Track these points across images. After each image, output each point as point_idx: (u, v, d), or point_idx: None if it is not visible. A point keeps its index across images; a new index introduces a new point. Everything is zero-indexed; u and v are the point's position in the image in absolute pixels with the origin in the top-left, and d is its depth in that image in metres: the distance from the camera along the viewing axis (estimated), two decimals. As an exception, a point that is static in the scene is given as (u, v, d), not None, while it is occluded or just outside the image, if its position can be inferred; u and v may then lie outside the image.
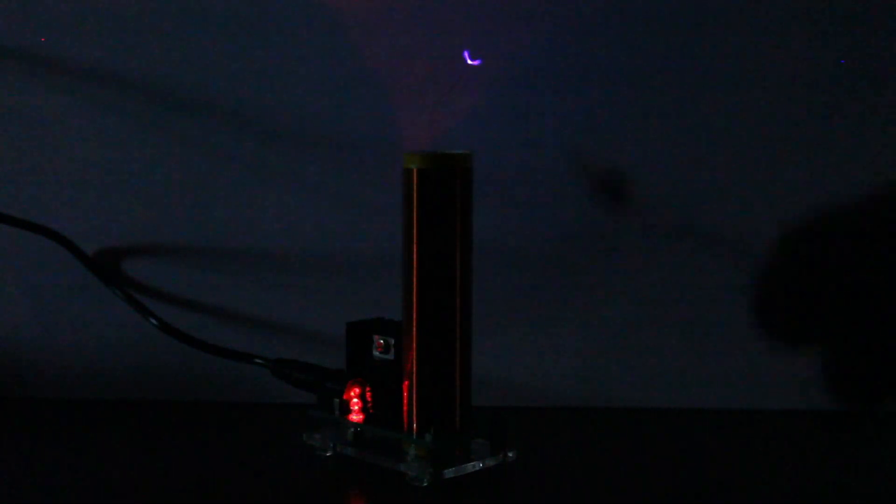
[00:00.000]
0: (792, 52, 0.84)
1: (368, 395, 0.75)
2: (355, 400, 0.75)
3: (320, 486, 0.71)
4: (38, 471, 0.73)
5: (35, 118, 0.87)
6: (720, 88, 0.84)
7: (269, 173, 0.87)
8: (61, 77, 0.87)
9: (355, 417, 0.74)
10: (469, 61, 0.70)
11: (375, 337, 0.75)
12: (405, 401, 0.72)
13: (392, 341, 0.74)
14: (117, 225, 0.88)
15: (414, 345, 0.71)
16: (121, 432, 0.81)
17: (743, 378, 0.87)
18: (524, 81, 0.85)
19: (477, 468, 0.71)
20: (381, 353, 0.74)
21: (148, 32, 0.86)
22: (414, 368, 0.72)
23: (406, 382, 0.72)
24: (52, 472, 0.73)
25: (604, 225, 0.86)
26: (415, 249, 0.71)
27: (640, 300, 0.86)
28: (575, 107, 0.85)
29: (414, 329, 0.71)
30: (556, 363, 0.87)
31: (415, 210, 0.70)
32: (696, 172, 0.85)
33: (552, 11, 0.84)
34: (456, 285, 0.71)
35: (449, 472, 0.70)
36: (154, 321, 0.86)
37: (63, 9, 0.86)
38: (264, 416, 0.85)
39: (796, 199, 0.85)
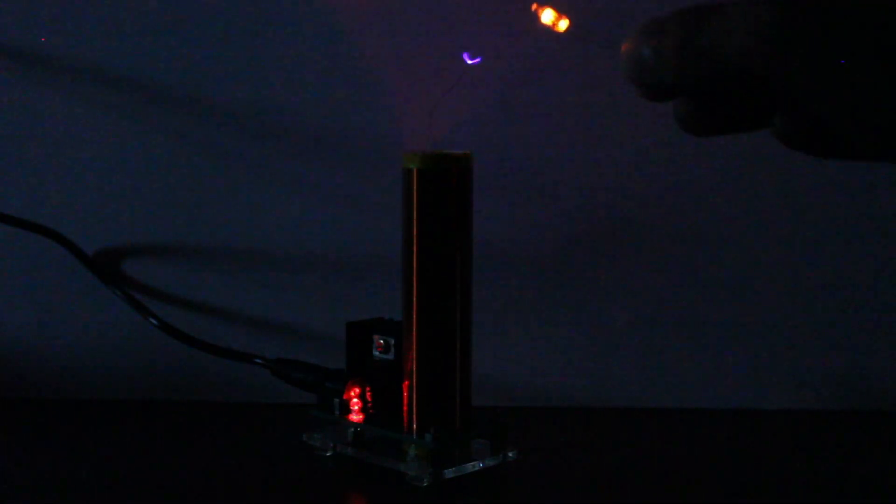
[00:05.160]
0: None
1: (368, 395, 0.75)
2: (355, 400, 0.75)
3: (320, 486, 0.71)
4: (38, 471, 0.73)
5: (35, 118, 0.87)
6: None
7: (269, 173, 0.87)
8: (61, 77, 0.87)
9: (355, 417, 0.74)
10: (469, 61, 0.70)
11: (375, 337, 0.75)
12: (405, 401, 0.72)
13: (392, 341, 0.74)
14: (117, 225, 0.88)
15: (414, 345, 0.71)
16: (121, 432, 0.81)
17: (743, 378, 0.87)
18: (524, 81, 0.85)
19: (477, 468, 0.71)
20: (381, 353, 0.74)
21: (147, 32, 0.86)
22: (414, 368, 0.72)
23: (406, 382, 0.72)
24: (52, 472, 0.73)
25: (604, 225, 0.86)
26: (415, 249, 0.71)
27: (640, 300, 0.86)
28: (575, 107, 0.85)
29: (414, 329, 0.71)
30: (556, 363, 0.87)
31: (415, 210, 0.70)
32: (696, 172, 0.85)
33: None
34: (456, 285, 0.71)
35: (449, 472, 0.70)
36: (154, 321, 0.86)
37: (63, 9, 0.86)
38: (264, 416, 0.85)
39: (797, 199, 0.85)
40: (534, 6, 0.64)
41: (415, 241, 0.71)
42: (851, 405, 0.86)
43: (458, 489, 0.70)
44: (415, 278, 0.71)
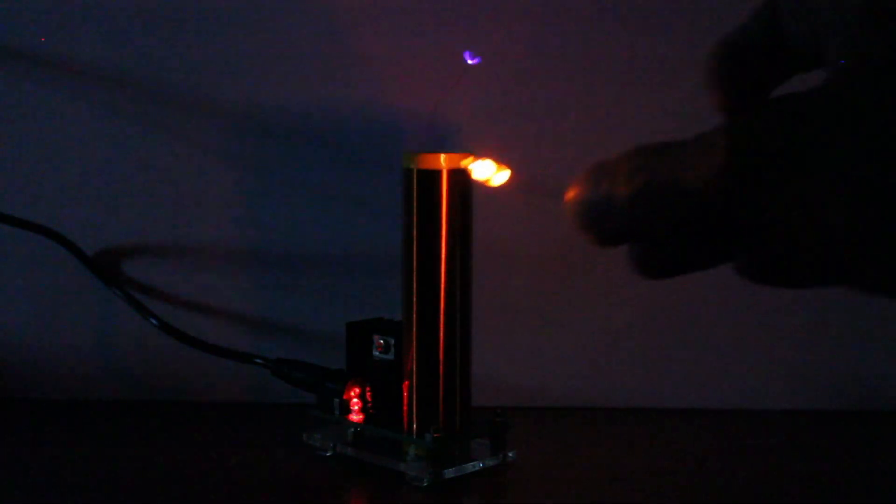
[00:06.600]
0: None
1: (368, 395, 0.75)
2: (355, 400, 0.75)
3: (320, 486, 0.71)
4: (38, 471, 0.73)
5: (35, 118, 0.87)
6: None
7: (269, 173, 0.87)
8: (61, 77, 0.87)
9: (355, 417, 0.74)
10: (469, 61, 0.70)
11: (375, 337, 0.75)
12: (405, 401, 0.72)
13: (392, 341, 0.74)
14: (117, 225, 0.88)
15: (414, 345, 0.71)
16: (121, 432, 0.81)
17: (743, 378, 0.87)
18: (525, 81, 0.85)
19: (477, 468, 0.71)
20: (381, 353, 0.74)
21: (148, 32, 0.86)
22: (414, 368, 0.72)
23: (406, 382, 0.72)
24: (52, 472, 0.73)
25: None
26: (415, 249, 0.71)
27: (640, 300, 0.86)
28: (575, 106, 0.85)
29: (414, 329, 0.71)
30: (556, 363, 0.87)
31: (415, 210, 0.70)
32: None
33: (552, 11, 0.84)
34: (456, 285, 0.71)
35: (449, 472, 0.70)
36: (154, 321, 0.86)
37: (63, 9, 0.86)
38: (264, 416, 0.85)
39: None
40: (468, 160, 0.65)
41: (415, 241, 0.71)
42: (851, 405, 0.86)
43: (458, 489, 0.70)
44: (415, 278, 0.71)
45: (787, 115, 0.38)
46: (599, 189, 0.42)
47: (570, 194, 0.44)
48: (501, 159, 0.84)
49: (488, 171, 0.67)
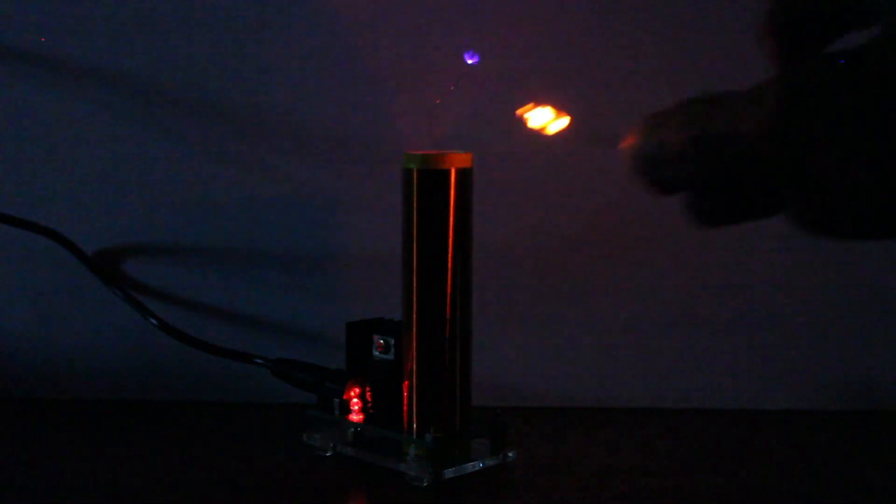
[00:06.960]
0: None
1: (368, 395, 0.75)
2: (355, 400, 0.75)
3: (320, 486, 0.71)
4: (39, 471, 0.73)
5: (35, 118, 0.87)
6: (721, 87, 0.84)
7: (268, 173, 0.87)
8: (61, 77, 0.87)
9: (355, 417, 0.74)
10: (468, 61, 0.70)
11: (375, 337, 0.75)
12: (405, 401, 0.72)
13: (392, 341, 0.74)
14: (117, 225, 0.88)
15: (414, 345, 0.71)
16: (121, 432, 0.81)
17: (743, 378, 0.87)
18: (524, 81, 0.85)
19: (477, 468, 0.71)
20: (381, 353, 0.74)
21: (148, 32, 0.86)
22: (414, 368, 0.72)
23: (406, 382, 0.72)
24: (53, 472, 0.73)
25: (604, 225, 0.86)
26: (415, 249, 0.71)
27: (641, 300, 0.86)
28: (576, 106, 0.85)
29: (414, 329, 0.71)
30: (557, 363, 0.87)
31: (415, 210, 0.70)
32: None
33: (552, 11, 0.84)
34: (456, 285, 0.71)
35: (449, 472, 0.70)
36: (154, 321, 0.86)
37: (63, 9, 0.86)
38: (264, 416, 0.85)
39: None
40: (528, 108, 0.64)
41: (415, 241, 0.71)
42: (851, 405, 0.86)
43: (458, 489, 0.70)
44: (415, 278, 0.71)
45: (837, 70, 0.39)
46: (654, 138, 0.44)
47: (626, 143, 0.46)
48: (501, 158, 0.85)
49: (546, 118, 0.66)
